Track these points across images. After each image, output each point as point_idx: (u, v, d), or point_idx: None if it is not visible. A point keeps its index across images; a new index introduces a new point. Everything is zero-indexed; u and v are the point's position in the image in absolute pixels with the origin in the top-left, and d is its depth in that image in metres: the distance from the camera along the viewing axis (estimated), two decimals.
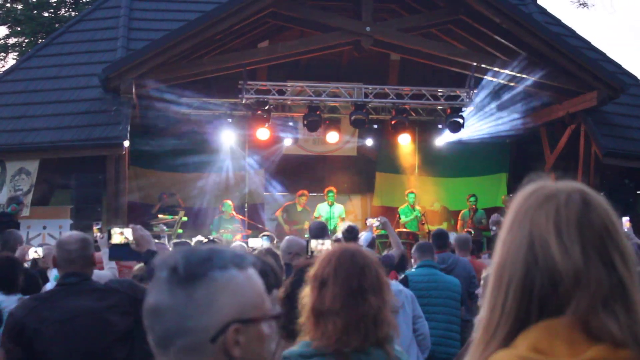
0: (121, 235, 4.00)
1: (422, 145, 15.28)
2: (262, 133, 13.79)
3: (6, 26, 24.93)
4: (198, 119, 13.98)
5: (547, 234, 1.23)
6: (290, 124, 14.30)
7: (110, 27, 14.14)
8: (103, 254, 5.20)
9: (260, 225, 13.81)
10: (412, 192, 14.35)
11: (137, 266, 5.27)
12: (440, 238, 7.39)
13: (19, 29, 24.69)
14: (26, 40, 24.64)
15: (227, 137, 14.05)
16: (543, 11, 16.01)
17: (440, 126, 14.36)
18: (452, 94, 13.85)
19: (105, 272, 5.08)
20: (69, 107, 12.20)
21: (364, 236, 7.66)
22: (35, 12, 24.51)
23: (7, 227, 8.38)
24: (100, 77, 11.82)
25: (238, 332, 1.30)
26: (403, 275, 6.52)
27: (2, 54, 25.13)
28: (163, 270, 1.33)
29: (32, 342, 3.31)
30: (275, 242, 9.36)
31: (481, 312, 1.31)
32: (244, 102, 13.50)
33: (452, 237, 8.63)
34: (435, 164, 15.36)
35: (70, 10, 25.22)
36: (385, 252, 7.74)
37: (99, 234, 5.43)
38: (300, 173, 15.12)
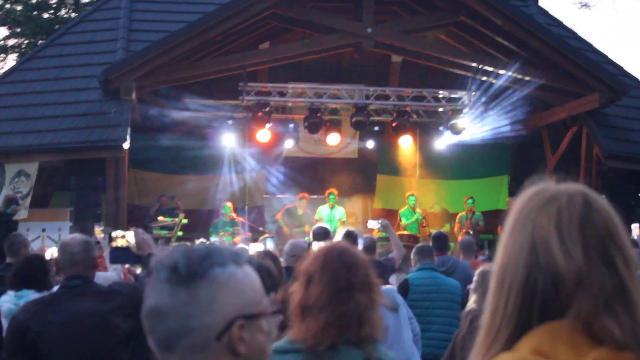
0: (123, 238, 4.01)
1: (423, 147, 15.28)
2: (263, 135, 13.79)
3: (6, 27, 24.97)
4: (198, 120, 13.98)
5: (549, 236, 1.23)
6: (291, 125, 14.29)
7: (110, 28, 14.15)
8: (107, 255, 5.20)
9: (260, 228, 13.80)
10: (412, 195, 14.35)
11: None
12: (440, 240, 7.38)
13: (18, 30, 24.73)
14: (26, 42, 24.67)
15: (227, 139, 14.04)
16: (544, 13, 16.03)
17: (441, 128, 14.35)
18: (453, 95, 13.86)
19: (110, 273, 5.09)
20: (69, 109, 12.20)
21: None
22: (35, 13, 24.54)
23: (8, 228, 8.40)
24: (100, 79, 11.83)
25: (242, 328, 1.30)
26: (403, 279, 6.52)
27: (2, 55, 25.17)
28: (162, 270, 1.32)
29: (36, 345, 3.32)
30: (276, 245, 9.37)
31: (483, 315, 1.31)
32: (244, 103, 13.51)
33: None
34: (437, 166, 15.35)
35: (70, 11, 25.25)
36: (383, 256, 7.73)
37: (101, 235, 5.44)
38: (300, 175, 15.12)
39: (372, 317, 2.41)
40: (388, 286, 5.22)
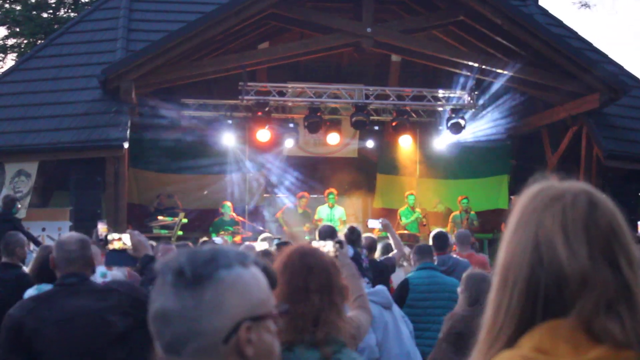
0: (119, 241, 4.00)
1: (423, 146, 15.28)
2: (263, 135, 13.79)
3: (5, 27, 24.95)
4: (198, 120, 13.98)
5: (553, 235, 1.23)
6: (291, 125, 14.30)
7: (109, 28, 14.14)
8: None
9: (260, 227, 13.80)
10: (411, 194, 14.35)
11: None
12: (440, 240, 7.37)
13: (17, 29, 24.71)
14: (25, 41, 24.66)
15: (227, 139, 14.04)
16: (544, 12, 16.02)
17: (441, 128, 14.36)
18: (453, 95, 13.87)
19: (116, 272, 5.09)
20: (68, 109, 12.20)
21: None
22: (34, 12, 24.53)
23: (14, 227, 8.44)
24: (100, 79, 11.83)
25: (250, 330, 1.29)
26: (403, 278, 6.52)
27: (1, 55, 25.16)
28: (167, 274, 1.31)
29: (31, 342, 3.32)
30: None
31: (485, 313, 1.31)
32: (244, 103, 13.51)
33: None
34: (437, 165, 15.36)
35: (70, 11, 25.23)
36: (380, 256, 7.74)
37: (104, 233, 5.40)
38: (300, 175, 15.12)
39: (330, 318, 2.40)
40: (379, 286, 5.22)
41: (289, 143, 14.53)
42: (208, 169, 14.45)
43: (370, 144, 15.34)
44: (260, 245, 8.48)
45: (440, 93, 13.90)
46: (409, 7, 13.69)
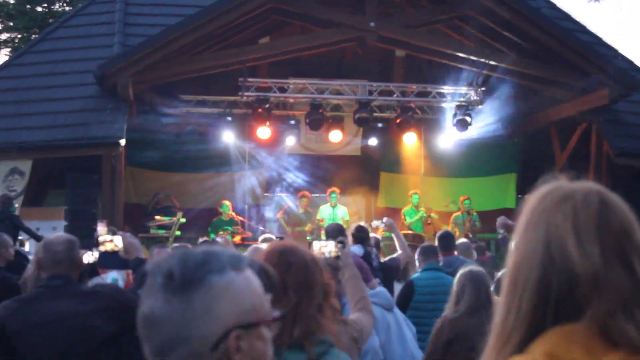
0: (111, 242, 4.00)
1: (428, 144, 15.28)
2: (263, 132, 13.79)
3: None
4: (197, 117, 13.98)
5: (565, 236, 1.23)
6: (292, 122, 14.28)
7: (106, 22, 14.14)
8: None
9: (261, 228, 13.80)
10: (416, 193, 14.34)
11: None
12: (446, 240, 7.36)
13: (11, 24, 24.72)
14: (19, 36, 24.67)
15: (226, 136, 14.04)
16: (552, 5, 16.01)
17: (447, 125, 14.35)
18: (459, 91, 13.86)
19: (114, 274, 5.09)
20: (64, 105, 12.20)
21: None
22: (29, 6, 24.54)
23: (15, 226, 8.48)
24: (96, 74, 11.83)
25: (239, 338, 1.29)
26: (408, 280, 6.51)
27: None
28: (157, 276, 1.31)
29: (13, 344, 3.32)
30: None
31: (495, 316, 1.31)
32: (244, 100, 13.50)
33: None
34: (442, 163, 15.34)
35: (65, 4, 25.24)
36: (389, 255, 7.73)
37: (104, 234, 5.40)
38: (302, 173, 15.12)
39: (309, 313, 2.41)
40: (379, 287, 5.22)
41: (290, 141, 14.52)
42: (207, 167, 14.44)
43: (373, 141, 15.33)
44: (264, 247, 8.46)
45: (446, 89, 13.89)
46: (413, 0, 13.68)
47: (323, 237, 11.30)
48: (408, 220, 13.98)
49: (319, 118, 13.73)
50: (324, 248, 4.03)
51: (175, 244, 8.67)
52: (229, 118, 13.92)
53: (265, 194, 15.28)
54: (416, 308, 5.98)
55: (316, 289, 2.48)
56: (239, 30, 13.31)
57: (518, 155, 15.63)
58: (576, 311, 1.21)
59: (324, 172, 15.46)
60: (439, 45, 13.23)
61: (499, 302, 1.31)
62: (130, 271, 5.46)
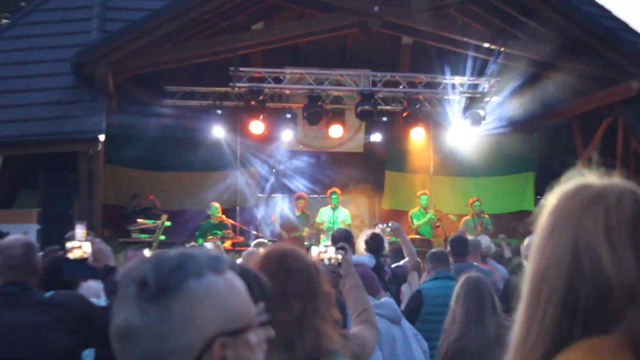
0: (79, 249, 3.97)
1: (437, 140, 15.27)
2: (256, 127, 13.79)
3: None
4: (183, 110, 13.97)
5: (597, 242, 1.21)
6: (288, 116, 14.29)
7: (84, 6, 14.11)
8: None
9: (254, 232, 13.79)
10: (424, 194, 14.35)
11: None
12: (459, 245, 7.35)
13: None
14: None
15: (215, 131, 14.03)
16: None
17: (458, 119, 14.34)
18: (471, 82, 13.85)
19: (93, 283, 5.06)
20: (37, 97, 12.17)
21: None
22: None
23: None
24: (73, 63, 11.81)
25: (224, 347, 1.28)
26: (416, 289, 6.49)
27: None
28: (130, 284, 1.30)
29: None
30: None
31: (515, 328, 1.29)
32: (235, 91, 13.51)
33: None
34: (453, 161, 15.34)
35: None
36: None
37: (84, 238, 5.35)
38: (299, 172, 15.11)
39: (315, 324, 2.41)
40: (386, 298, 5.20)
41: (285, 136, 14.52)
42: (194, 166, 14.44)
43: (377, 137, 15.33)
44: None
45: (457, 80, 13.89)
46: None
47: (323, 241, 11.31)
48: (416, 223, 13.97)
49: (317, 111, 13.73)
50: (323, 254, 4.02)
51: (158, 250, 8.63)
52: (219, 111, 13.91)
53: (259, 195, 15.28)
54: (425, 321, 5.96)
55: (320, 297, 2.48)
56: (230, 15, 13.29)
57: (537, 153, 15.63)
58: (607, 325, 1.19)
59: (323, 170, 15.47)
60: (450, 31, 13.22)
61: (519, 312, 1.29)
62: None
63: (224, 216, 13.63)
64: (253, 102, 13.39)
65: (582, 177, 1.31)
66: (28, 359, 3.35)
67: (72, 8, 14.17)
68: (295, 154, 15.30)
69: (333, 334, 2.47)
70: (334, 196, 13.93)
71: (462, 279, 4.69)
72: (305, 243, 11.74)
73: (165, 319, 1.26)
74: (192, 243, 9.77)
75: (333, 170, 15.38)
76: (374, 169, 16.00)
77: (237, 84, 13.19)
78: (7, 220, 11.71)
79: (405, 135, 15.01)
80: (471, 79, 13.80)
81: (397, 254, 7.72)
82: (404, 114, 14.20)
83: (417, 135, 14.73)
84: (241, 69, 13.18)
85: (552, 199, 1.31)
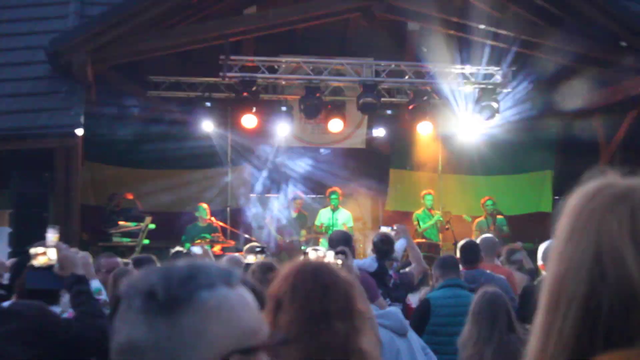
0: (43, 255, 3.95)
1: (446, 135, 15.26)
2: (249, 120, 13.78)
3: None
4: (169, 103, 13.96)
5: (621, 244, 1.21)
6: (284, 109, 14.29)
7: None
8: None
9: (246, 235, 13.79)
10: (429, 194, 14.35)
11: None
12: (470, 251, 7.36)
13: None
14: None
15: (204, 125, 14.03)
16: None
17: (469, 112, 14.34)
18: (484, 72, 13.84)
19: (97, 283, 5.06)
20: (8, 88, 12.16)
21: (397, 244, 7.62)
22: None
23: None
24: (48, 51, 11.80)
25: None
26: (424, 298, 6.50)
27: None
28: (135, 297, 1.29)
29: None
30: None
31: (532, 339, 1.30)
32: (226, 81, 13.50)
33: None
34: (463, 158, 15.35)
35: None
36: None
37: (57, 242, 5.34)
38: (295, 170, 15.12)
39: (360, 346, 2.40)
40: (391, 308, 5.21)
41: (281, 131, 14.52)
42: (180, 163, 14.43)
43: (381, 132, 15.34)
44: (248, 257, 8.44)
45: (469, 69, 13.88)
46: None
47: (322, 245, 11.30)
48: (422, 226, 13.97)
49: (315, 104, 13.72)
50: (322, 259, 4.04)
51: (138, 257, 8.59)
52: (208, 104, 13.91)
53: (252, 195, 15.28)
54: (433, 332, 5.97)
55: (357, 315, 2.47)
56: None
57: (555, 149, 15.63)
58: (630, 336, 1.19)
59: (322, 168, 15.47)
60: (460, 17, 13.20)
61: (536, 322, 1.30)
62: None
63: (213, 218, 13.63)
64: (245, 94, 13.38)
65: (605, 175, 1.31)
66: None
67: None
68: (291, 151, 15.30)
69: (375, 354, 2.46)
70: (333, 196, 13.93)
71: (477, 294, 4.69)
72: (303, 247, 11.74)
73: (175, 333, 1.26)
74: (178, 248, 9.74)
75: (332, 168, 15.37)
76: (377, 166, 16.00)
77: (228, 74, 13.18)
78: None
79: (411, 130, 15.00)
80: (484, 68, 13.79)
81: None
82: (410, 107, 14.20)
83: (424, 130, 14.73)
84: (232, 57, 13.17)
85: (571, 199, 1.31)
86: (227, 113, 14.34)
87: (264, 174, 15.26)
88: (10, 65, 12.60)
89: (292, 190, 14.51)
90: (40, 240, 4.16)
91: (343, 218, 13.89)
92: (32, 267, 3.97)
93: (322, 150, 15.71)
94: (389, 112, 14.90)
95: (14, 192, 11.67)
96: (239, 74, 13.28)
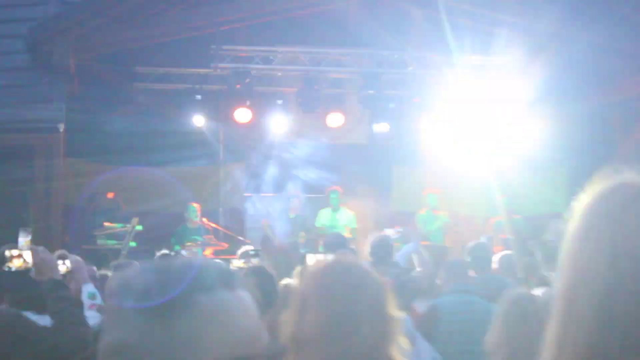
0: (19, 258, 3.94)
1: (454, 129, 15.21)
2: (242, 114, 13.76)
3: None
4: (157, 95, 13.94)
5: (639, 246, 1.22)
6: (279, 102, 14.27)
7: None
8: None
9: (240, 237, 13.77)
10: (433, 193, 14.30)
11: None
12: (481, 254, 7.37)
13: None
14: None
15: (195, 120, 14.02)
16: None
17: (478, 104, 14.31)
18: (494, 62, 13.83)
19: (91, 287, 5.06)
20: None
21: (404, 249, 7.62)
22: None
23: None
24: (27, 40, 11.79)
25: None
26: (430, 304, 6.51)
27: None
28: (127, 297, 1.30)
29: None
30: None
31: (545, 348, 1.31)
32: (217, 73, 13.48)
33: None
34: (472, 156, 15.31)
35: None
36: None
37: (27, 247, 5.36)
38: (292, 168, 15.09)
39: (391, 355, 2.40)
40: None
41: (276, 126, 14.50)
42: (169, 160, 14.40)
43: (384, 127, 15.31)
44: (235, 262, 8.45)
45: (477, 59, 13.87)
46: None
47: (322, 249, 11.30)
48: (427, 228, 13.92)
49: (313, 97, 13.71)
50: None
51: (118, 262, 8.56)
52: (199, 97, 13.89)
53: (246, 195, 15.26)
54: (442, 342, 5.97)
55: (389, 320, 2.46)
56: None
57: (569, 143, 15.60)
58: None
59: (321, 166, 15.42)
60: (468, 2, 13.19)
61: (549, 329, 1.31)
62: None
63: (204, 219, 13.61)
64: (238, 86, 13.38)
65: (621, 173, 1.32)
66: None
67: None
68: (287, 147, 15.26)
69: None
70: (333, 196, 13.88)
71: (505, 296, 4.68)
72: (301, 250, 11.71)
73: (170, 337, 1.26)
74: (164, 250, 9.68)
75: (332, 166, 15.33)
76: (380, 164, 15.97)
77: (220, 65, 13.18)
78: None
79: (416, 125, 14.98)
80: (493, 58, 13.78)
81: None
82: (415, 99, 14.18)
83: (429, 124, 14.71)
84: (224, 46, 13.17)
85: (586, 199, 1.32)
86: (218, 106, 14.32)
87: (259, 171, 15.23)
88: None
89: (290, 189, 14.48)
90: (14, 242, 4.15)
91: (345, 219, 13.81)
92: (9, 270, 3.97)
93: (320, 147, 15.67)
94: (392, 105, 14.86)
95: None
96: (232, 65, 13.28)
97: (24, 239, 4.19)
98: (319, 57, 13.71)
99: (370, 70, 13.66)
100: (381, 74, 13.81)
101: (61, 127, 11.52)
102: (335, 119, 14.59)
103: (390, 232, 7.94)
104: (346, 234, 12.84)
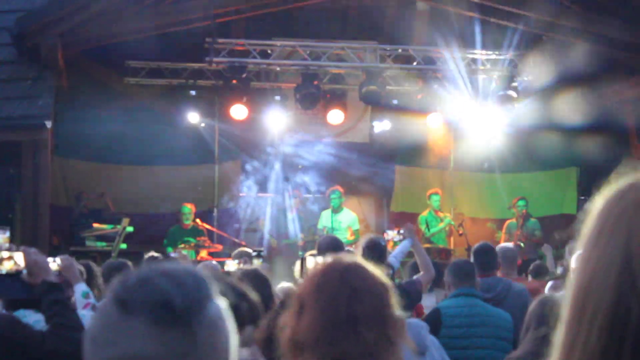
0: (9, 260, 3.94)
1: (459, 128, 15.24)
2: (238, 111, 13.76)
3: None
4: (149, 91, 13.95)
5: None
6: (277, 98, 14.28)
7: None
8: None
9: (235, 239, 13.76)
10: (435, 193, 14.30)
11: None
12: (486, 256, 7.37)
13: None
14: None
15: (189, 117, 14.02)
16: None
17: (485, 102, 14.33)
18: (501, 57, 13.83)
19: (83, 286, 5.07)
20: None
21: (397, 248, 7.61)
22: None
23: None
24: (13, 32, 11.79)
25: None
26: (434, 308, 6.51)
27: None
28: (142, 307, 1.29)
29: None
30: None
31: (554, 353, 1.31)
32: (213, 67, 13.48)
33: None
34: (478, 154, 15.32)
35: None
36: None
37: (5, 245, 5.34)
38: (290, 166, 15.10)
39: (390, 359, 2.39)
40: (413, 319, 5.21)
41: (274, 123, 14.50)
42: (162, 159, 14.39)
43: (386, 124, 15.32)
44: (231, 264, 8.43)
45: (484, 54, 13.87)
46: None
47: None
48: (430, 230, 13.93)
49: (313, 93, 13.70)
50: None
51: (112, 262, 8.51)
52: (193, 92, 13.90)
53: (242, 194, 15.26)
54: (445, 346, 5.98)
55: (392, 323, 2.45)
56: None
57: (580, 143, 15.61)
58: None
59: (321, 165, 15.44)
60: None
61: (559, 334, 1.31)
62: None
63: (198, 220, 13.60)
64: (234, 81, 13.36)
65: (636, 173, 1.33)
66: None
67: None
68: (286, 145, 15.27)
69: None
70: (333, 196, 13.86)
71: (536, 299, 4.68)
72: (300, 253, 11.70)
73: (193, 347, 1.28)
74: (152, 253, 9.63)
75: (332, 165, 15.35)
76: (382, 163, 15.98)
77: (215, 59, 13.17)
78: None
79: (419, 123, 14.98)
80: (502, 54, 13.78)
81: (414, 267, 7.71)
82: (419, 96, 14.18)
83: (434, 123, 14.72)
84: (220, 40, 13.16)
85: (598, 200, 1.32)
86: (214, 103, 14.33)
87: (256, 170, 15.23)
88: None
89: (289, 189, 14.48)
90: None
91: (347, 220, 13.77)
92: None
93: (320, 145, 15.69)
94: (394, 102, 14.86)
95: None
96: (228, 59, 13.26)
97: (2, 237, 4.18)
98: (318, 52, 13.70)
99: (372, 66, 13.63)
100: (383, 70, 13.79)
101: (49, 123, 11.51)
102: (335, 116, 14.59)
103: (392, 233, 7.90)
104: (348, 236, 12.87)
